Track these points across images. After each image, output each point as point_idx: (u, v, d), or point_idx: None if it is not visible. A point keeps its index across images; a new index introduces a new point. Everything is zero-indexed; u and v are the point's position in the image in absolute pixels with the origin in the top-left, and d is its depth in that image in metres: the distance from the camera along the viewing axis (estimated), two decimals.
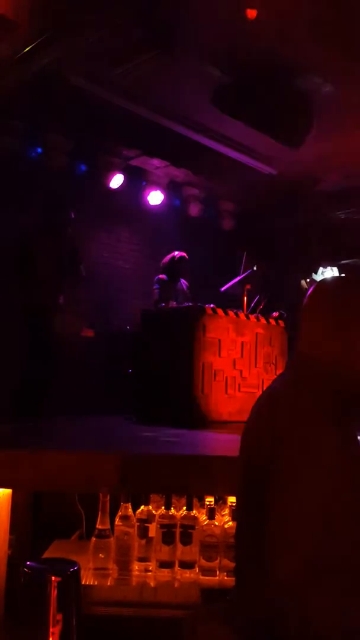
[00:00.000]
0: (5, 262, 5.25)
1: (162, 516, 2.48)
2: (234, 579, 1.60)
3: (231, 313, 4.98)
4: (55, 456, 2.25)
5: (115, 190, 6.54)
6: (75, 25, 4.16)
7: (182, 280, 5.60)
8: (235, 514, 1.61)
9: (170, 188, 7.08)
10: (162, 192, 6.94)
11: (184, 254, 5.53)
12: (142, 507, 2.52)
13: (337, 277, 1.59)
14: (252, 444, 1.45)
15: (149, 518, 2.49)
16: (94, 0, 3.96)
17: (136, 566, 2.49)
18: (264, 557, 1.33)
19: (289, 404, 1.38)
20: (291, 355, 1.62)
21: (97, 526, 2.51)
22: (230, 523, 2.49)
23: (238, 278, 5.34)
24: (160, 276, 5.43)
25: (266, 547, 1.33)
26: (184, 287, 5.60)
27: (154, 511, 2.51)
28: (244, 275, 5.32)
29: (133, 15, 4.07)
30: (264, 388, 5.44)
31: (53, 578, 2.04)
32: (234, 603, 1.52)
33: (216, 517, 2.52)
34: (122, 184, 6.51)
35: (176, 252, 5.54)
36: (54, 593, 2.04)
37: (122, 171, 6.48)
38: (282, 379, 1.57)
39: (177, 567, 2.48)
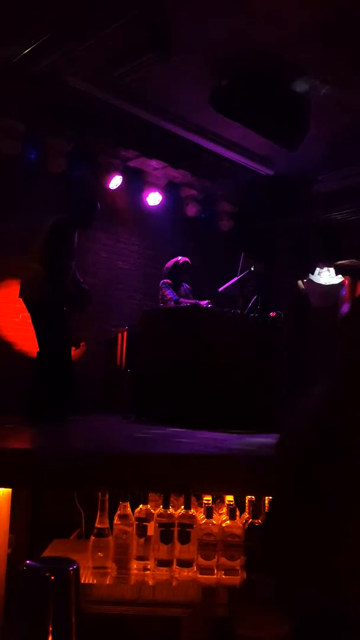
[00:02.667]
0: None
1: (160, 515, 2.50)
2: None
3: (229, 313, 5.01)
4: (56, 456, 2.27)
5: (114, 191, 6.56)
6: (75, 27, 4.17)
7: (185, 285, 5.65)
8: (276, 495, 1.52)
9: (169, 189, 7.10)
10: (160, 193, 6.96)
11: (187, 259, 5.59)
12: (141, 506, 2.54)
13: None
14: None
15: (148, 517, 2.51)
16: (93, 2, 3.98)
17: (135, 565, 2.51)
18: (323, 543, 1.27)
19: None
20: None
21: (96, 525, 2.53)
22: (228, 522, 2.52)
23: (236, 278, 5.36)
24: (166, 280, 5.47)
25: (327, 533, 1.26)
26: (188, 290, 5.65)
27: (152, 510, 2.54)
28: (241, 275, 5.35)
29: (132, 17, 4.09)
30: (261, 387, 5.44)
31: (52, 577, 2.06)
32: (279, 586, 1.48)
33: (214, 516, 2.54)
34: (121, 185, 6.53)
35: (179, 257, 5.58)
36: (53, 592, 2.07)
37: (121, 172, 6.50)
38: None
39: (175, 566, 2.50)
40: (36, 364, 4.22)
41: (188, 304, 5.12)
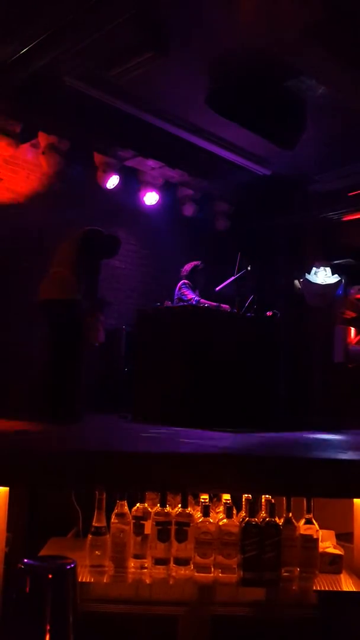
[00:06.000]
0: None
1: (157, 514, 2.51)
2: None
3: (225, 313, 5.02)
4: (53, 454, 2.28)
5: (111, 191, 6.56)
6: (72, 27, 4.17)
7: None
8: None
9: (166, 189, 7.10)
10: (157, 193, 6.96)
11: (201, 263, 5.61)
12: (138, 504, 2.55)
13: None
14: None
15: (145, 515, 2.52)
16: (90, 2, 3.98)
17: (132, 563, 2.52)
18: None
19: None
20: None
21: (94, 523, 2.54)
22: (225, 520, 2.53)
23: (232, 278, 5.38)
24: (186, 281, 5.48)
25: None
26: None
27: (149, 509, 2.54)
28: (238, 275, 5.36)
29: (129, 16, 4.09)
30: (259, 386, 5.49)
31: (50, 575, 2.07)
32: None
33: (211, 514, 2.55)
34: (118, 184, 6.53)
35: (197, 262, 5.59)
36: (51, 590, 2.07)
37: (118, 172, 6.50)
38: None
39: (172, 564, 2.51)
40: (52, 365, 4.21)
41: (207, 305, 5.09)
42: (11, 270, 5.54)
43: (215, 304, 5.14)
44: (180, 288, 5.43)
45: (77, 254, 4.31)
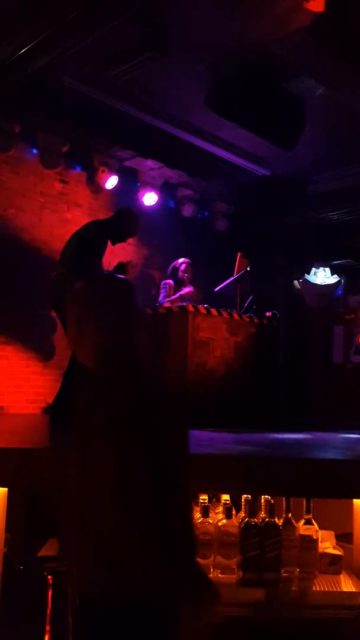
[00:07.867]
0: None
1: None
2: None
3: (224, 313, 5.02)
4: (51, 455, 2.27)
5: (109, 191, 6.56)
6: (71, 27, 4.17)
7: (189, 286, 5.63)
8: None
9: (165, 189, 7.10)
10: (156, 193, 6.95)
11: (187, 260, 5.60)
12: None
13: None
14: None
15: None
16: (89, 2, 3.98)
17: None
18: None
19: None
20: None
21: None
22: (224, 521, 2.52)
23: (232, 278, 5.38)
24: (168, 281, 5.49)
25: None
26: (191, 291, 5.62)
27: None
28: (237, 275, 5.36)
29: (128, 16, 4.09)
30: (257, 386, 5.47)
31: (49, 576, 2.06)
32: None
33: (210, 514, 2.55)
34: (117, 184, 6.53)
35: (179, 260, 5.60)
36: (50, 591, 2.07)
37: (117, 172, 6.50)
38: None
39: None
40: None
41: (171, 306, 5.13)
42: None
43: (180, 303, 5.17)
44: (160, 288, 5.54)
45: (76, 253, 4.30)
